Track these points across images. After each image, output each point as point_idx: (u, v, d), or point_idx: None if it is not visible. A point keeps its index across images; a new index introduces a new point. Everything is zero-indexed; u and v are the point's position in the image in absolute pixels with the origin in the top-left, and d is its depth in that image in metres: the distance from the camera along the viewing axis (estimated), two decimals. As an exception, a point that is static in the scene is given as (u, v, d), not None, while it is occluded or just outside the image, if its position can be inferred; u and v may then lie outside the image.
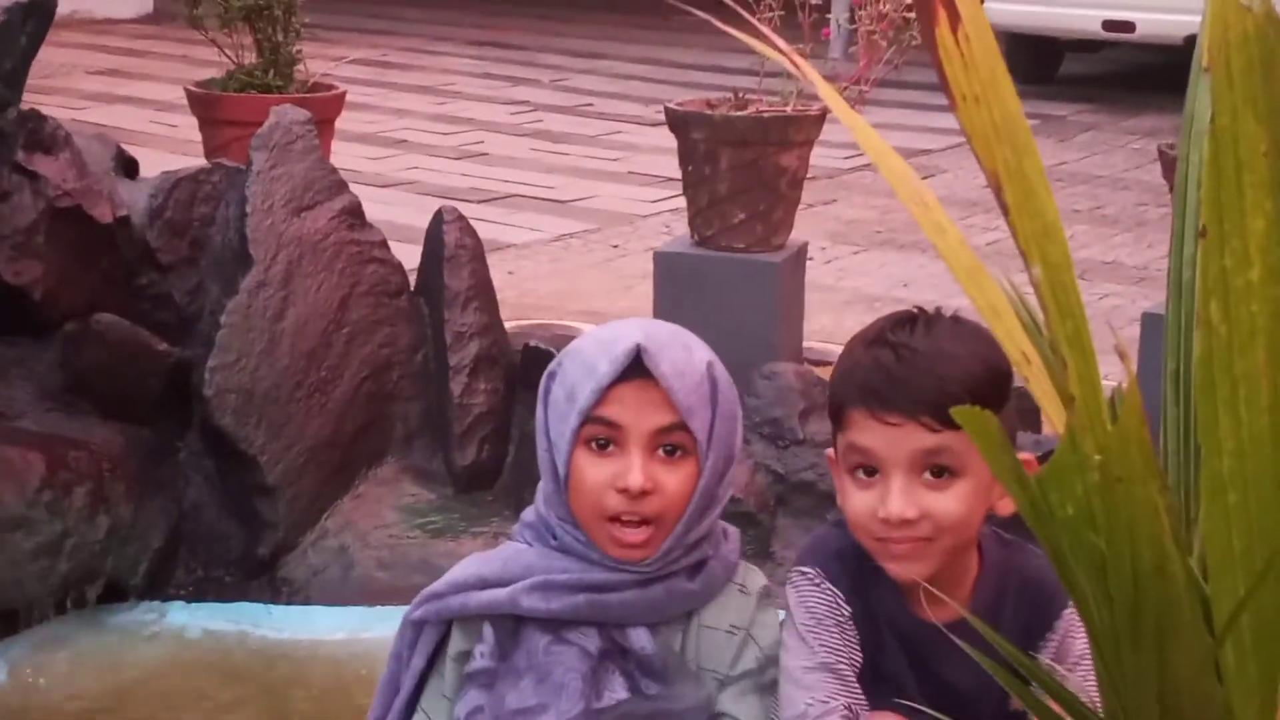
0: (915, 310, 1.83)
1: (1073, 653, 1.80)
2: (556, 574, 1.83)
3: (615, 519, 1.80)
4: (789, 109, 4.16)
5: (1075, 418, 1.05)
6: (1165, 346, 1.31)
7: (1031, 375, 1.15)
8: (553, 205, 7.61)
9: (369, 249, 3.97)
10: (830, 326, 5.36)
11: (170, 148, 7.91)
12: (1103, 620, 1.12)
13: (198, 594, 3.75)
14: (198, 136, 6.19)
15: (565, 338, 4.36)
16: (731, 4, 1.77)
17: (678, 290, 4.15)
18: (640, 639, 1.82)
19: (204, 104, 6.05)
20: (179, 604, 3.72)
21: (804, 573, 1.84)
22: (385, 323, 3.94)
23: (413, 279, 4.09)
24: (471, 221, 4.10)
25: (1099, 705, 1.22)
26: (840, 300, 5.96)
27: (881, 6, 4.32)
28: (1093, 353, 1.08)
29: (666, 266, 4.24)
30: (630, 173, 8.26)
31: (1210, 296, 1.06)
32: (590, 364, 1.81)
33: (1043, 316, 1.10)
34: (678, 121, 4.17)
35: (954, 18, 1.10)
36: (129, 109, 9.60)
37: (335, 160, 4.43)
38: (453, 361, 3.89)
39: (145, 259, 3.88)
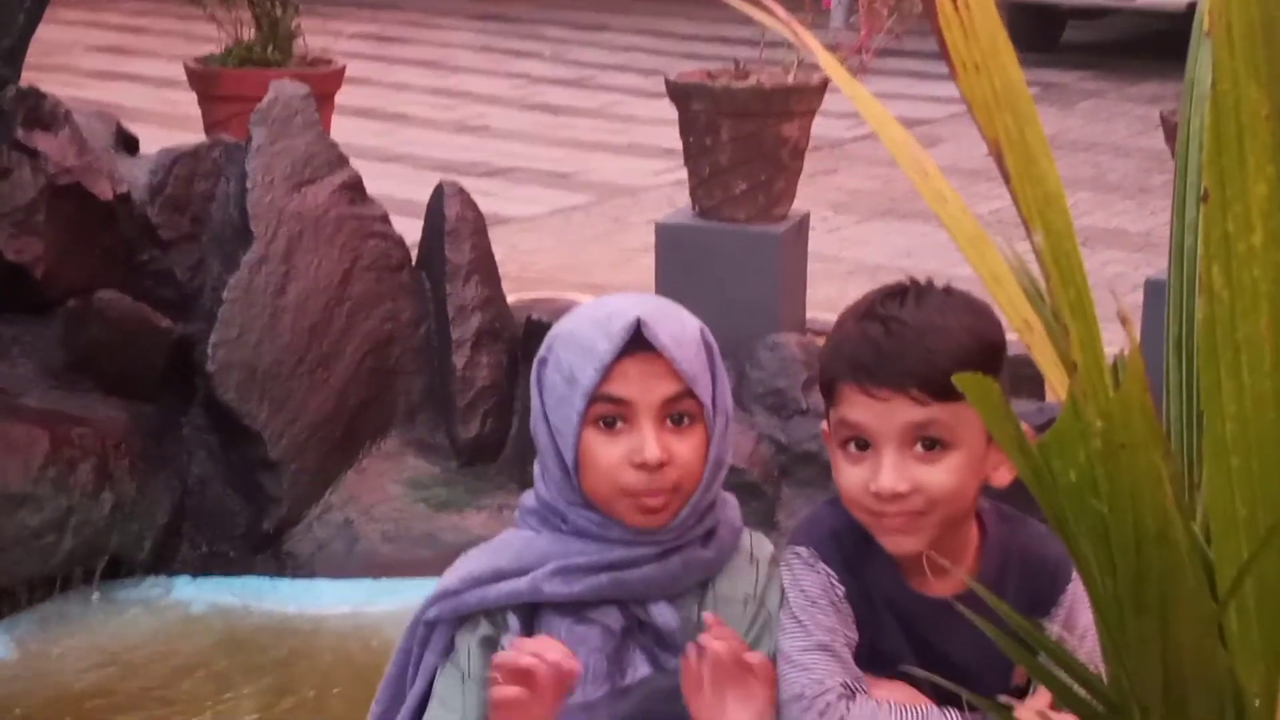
0: (907, 282, 1.82)
1: (1079, 625, 1.79)
2: (575, 557, 1.82)
3: (634, 493, 1.80)
4: (790, 79, 4.14)
5: (1078, 385, 1.05)
6: (1168, 312, 1.30)
7: (1034, 342, 1.15)
8: (554, 178, 7.60)
9: (370, 223, 3.97)
10: (833, 297, 5.35)
11: (170, 124, 7.90)
12: (1106, 587, 1.12)
13: (203, 569, 3.76)
14: (197, 112, 6.18)
15: (567, 310, 4.36)
16: (731, -27, 1.76)
17: (679, 262, 4.15)
18: (663, 613, 1.82)
19: (203, 80, 6.04)
20: (184, 579, 3.73)
21: (798, 553, 1.84)
22: (387, 297, 3.94)
23: (414, 253, 4.09)
24: (472, 195, 4.10)
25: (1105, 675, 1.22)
26: (843, 270, 5.96)
27: (882, -25, 4.31)
28: (1095, 319, 1.08)
29: (668, 238, 4.23)
30: (631, 145, 8.25)
31: (1212, 262, 1.06)
32: (587, 344, 1.79)
33: (1045, 284, 1.09)
34: (678, 93, 4.16)
35: (954, -15, 1.09)
36: (128, 86, 9.58)
37: (335, 135, 4.42)
38: (455, 335, 3.89)
39: (146, 235, 3.88)
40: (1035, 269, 1.13)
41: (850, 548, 1.82)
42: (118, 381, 3.77)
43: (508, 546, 1.89)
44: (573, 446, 1.80)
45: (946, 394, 1.69)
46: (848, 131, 8.13)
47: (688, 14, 12.16)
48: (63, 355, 3.78)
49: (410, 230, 4.15)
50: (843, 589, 1.81)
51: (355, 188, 3.99)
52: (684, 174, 4.33)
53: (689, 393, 1.79)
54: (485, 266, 4.00)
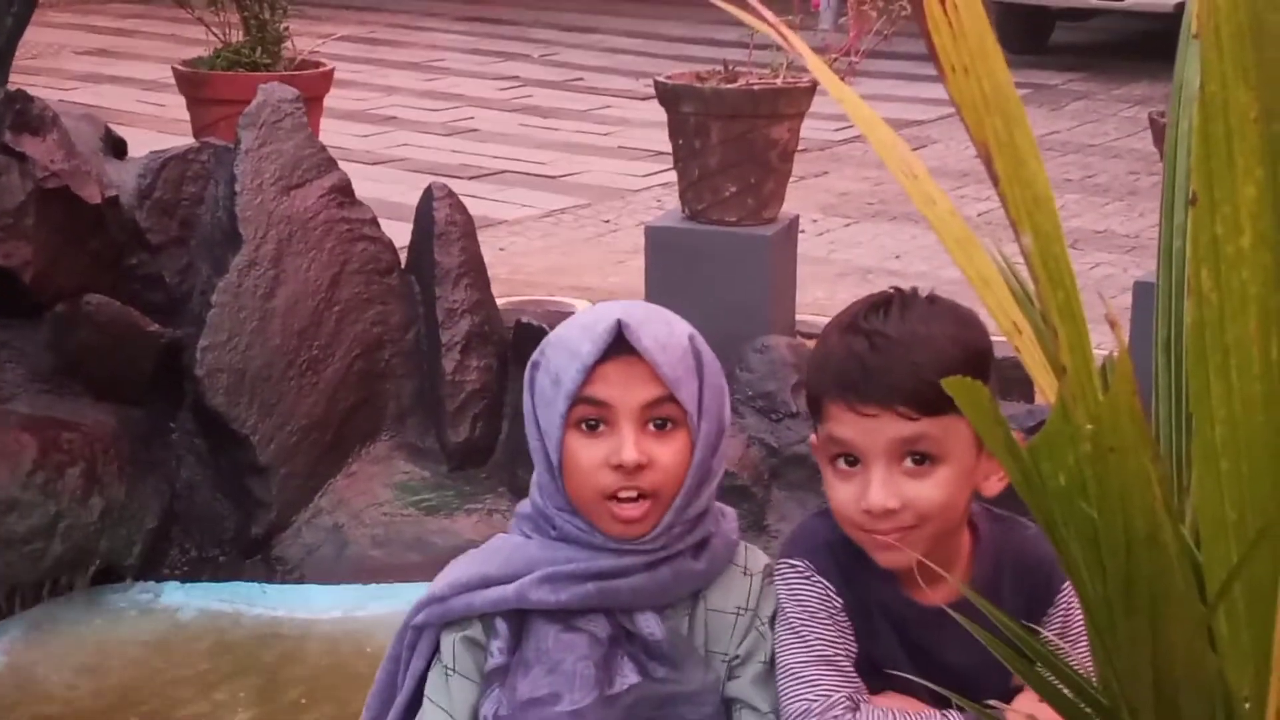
0: (891, 292, 1.80)
1: (1076, 624, 1.79)
2: (562, 564, 1.82)
3: (613, 497, 1.80)
4: (779, 81, 4.14)
5: (1067, 388, 1.05)
6: (1156, 315, 1.30)
7: (1023, 345, 1.14)
8: (543, 181, 7.60)
9: (359, 227, 3.96)
10: (823, 299, 5.36)
11: (158, 127, 7.89)
12: (1096, 590, 1.12)
13: (192, 574, 3.75)
14: (186, 115, 6.17)
15: (557, 314, 4.36)
16: (719, -24, 1.76)
17: (669, 265, 4.14)
18: (649, 624, 1.82)
19: (192, 83, 6.03)
20: (173, 584, 3.72)
21: (793, 565, 1.83)
22: (376, 301, 3.93)
23: (403, 256, 4.08)
24: (462, 198, 4.09)
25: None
26: (833, 272, 5.96)
27: (870, -23, 4.31)
28: (1084, 322, 1.08)
29: (658, 241, 4.23)
30: (621, 147, 8.25)
31: (1201, 264, 1.05)
32: (573, 347, 1.80)
33: (1034, 286, 1.09)
34: (667, 95, 4.15)
35: (942, -13, 1.09)
36: (117, 89, 9.57)
37: (324, 138, 4.42)
38: (444, 339, 3.89)
39: (135, 239, 3.87)
40: (1024, 271, 1.13)
41: (845, 559, 1.81)
42: (106, 386, 3.76)
43: (497, 553, 1.89)
44: (557, 448, 1.81)
45: (934, 408, 1.68)
46: (837, 134, 8.13)
47: (677, 16, 12.16)
48: (51, 359, 3.77)
49: (399, 233, 4.14)
50: (840, 601, 1.80)
51: (344, 191, 3.98)
52: (673, 176, 4.33)
53: (670, 397, 1.79)
54: (475, 269, 3.99)
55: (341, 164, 4.08)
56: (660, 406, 1.80)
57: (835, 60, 4.32)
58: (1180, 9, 1.34)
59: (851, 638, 1.80)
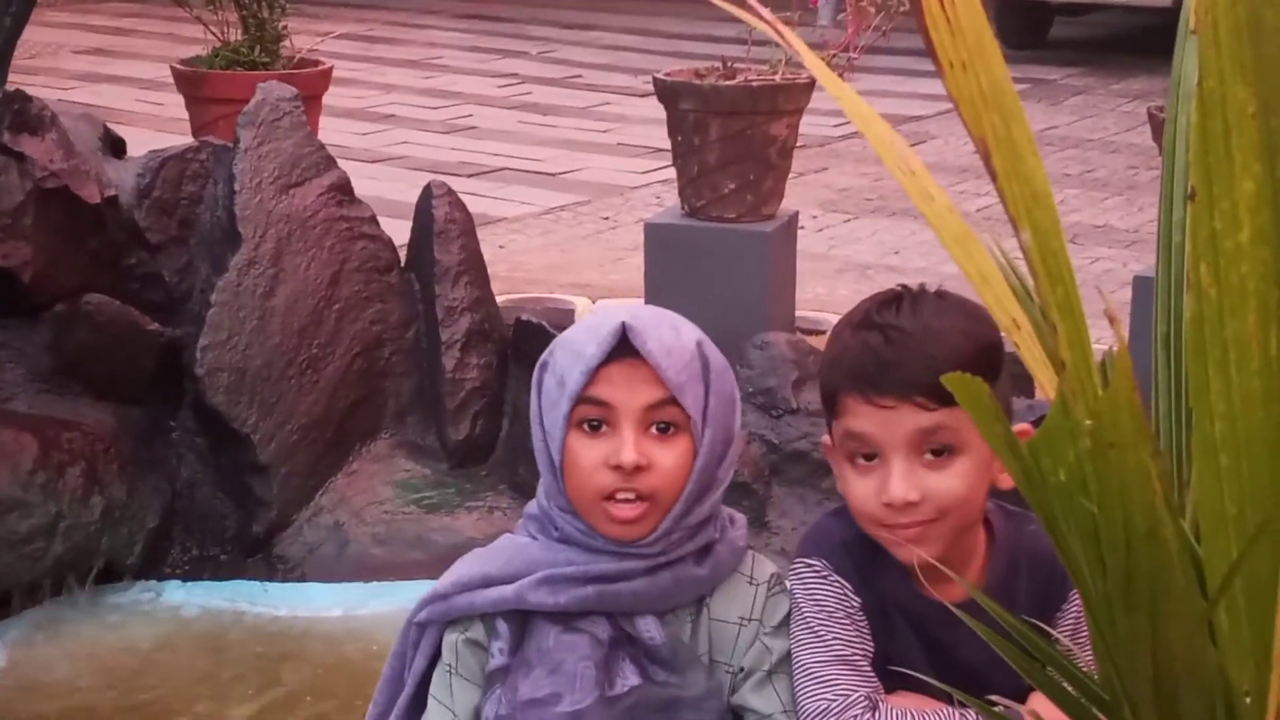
0: (900, 289, 1.81)
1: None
2: (562, 567, 1.82)
3: (610, 497, 1.80)
4: (778, 77, 4.14)
5: (1066, 383, 1.05)
6: (1156, 310, 1.30)
7: (1022, 341, 1.14)
8: (542, 178, 7.59)
9: (358, 225, 3.96)
10: (822, 295, 5.36)
11: (157, 126, 7.89)
12: (1096, 585, 1.12)
13: (193, 573, 3.75)
14: (184, 115, 6.17)
15: (557, 311, 4.36)
16: (717, -28, 1.76)
17: (669, 261, 4.14)
18: (649, 628, 1.82)
19: (190, 82, 6.02)
20: (175, 583, 3.72)
21: (810, 564, 1.83)
22: (376, 299, 3.94)
23: (403, 254, 4.08)
24: (461, 196, 4.09)
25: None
26: (832, 269, 5.96)
27: (868, -27, 4.31)
28: (1083, 317, 1.08)
29: (657, 238, 4.23)
30: (620, 144, 8.24)
31: (1200, 259, 1.05)
32: (578, 349, 1.81)
33: (1033, 282, 1.09)
34: (666, 92, 4.15)
35: (939, -17, 1.09)
36: (115, 88, 9.56)
37: (323, 136, 4.41)
38: (444, 337, 3.89)
39: (134, 239, 3.87)
40: (1023, 267, 1.13)
41: (861, 557, 1.81)
42: (107, 385, 3.76)
43: (500, 553, 1.89)
44: (559, 448, 1.81)
45: (951, 399, 1.69)
46: (836, 130, 8.13)
47: (675, 13, 12.15)
48: (51, 359, 3.77)
49: (399, 231, 4.14)
50: (858, 600, 1.80)
51: (344, 189, 3.98)
52: (673, 173, 4.33)
53: (673, 401, 1.79)
54: (474, 267, 3.99)
55: (341, 162, 4.07)
56: (662, 410, 1.80)
57: (833, 56, 4.32)
58: (1178, 3, 1.35)
59: (869, 637, 1.80)
